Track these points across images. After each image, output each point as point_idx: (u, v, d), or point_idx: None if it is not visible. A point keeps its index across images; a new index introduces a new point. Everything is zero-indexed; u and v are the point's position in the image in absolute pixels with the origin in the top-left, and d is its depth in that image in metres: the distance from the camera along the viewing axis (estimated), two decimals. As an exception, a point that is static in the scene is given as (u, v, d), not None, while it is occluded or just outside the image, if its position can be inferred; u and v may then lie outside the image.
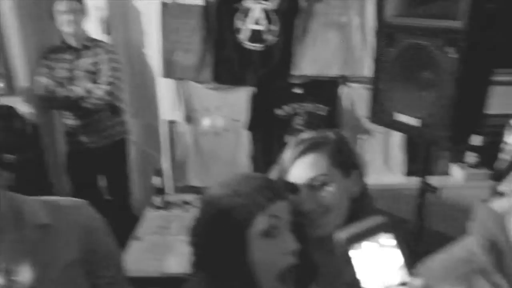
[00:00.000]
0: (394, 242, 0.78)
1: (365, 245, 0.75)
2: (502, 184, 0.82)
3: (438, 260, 0.87)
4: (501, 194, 0.83)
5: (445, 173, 2.93)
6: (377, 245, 0.76)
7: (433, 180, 1.98)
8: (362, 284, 0.74)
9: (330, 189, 1.16)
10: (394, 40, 1.75)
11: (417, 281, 0.79)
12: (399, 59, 1.74)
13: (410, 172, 2.83)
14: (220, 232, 1.01)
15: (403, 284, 0.77)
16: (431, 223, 2.00)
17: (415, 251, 0.89)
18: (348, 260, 0.74)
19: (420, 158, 2.10)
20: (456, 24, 1.55)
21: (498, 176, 0.76)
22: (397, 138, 2.79)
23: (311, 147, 1.17)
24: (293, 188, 1.17)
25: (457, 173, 2.88)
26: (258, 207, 1.01)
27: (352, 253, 0.74)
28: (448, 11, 1.58)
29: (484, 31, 1.59)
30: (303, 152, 1.17)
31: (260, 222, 1.00)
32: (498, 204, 0.86)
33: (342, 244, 0.74)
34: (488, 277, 0.80)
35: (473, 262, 0.82)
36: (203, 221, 1.05)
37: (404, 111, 1.74)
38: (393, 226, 0.77)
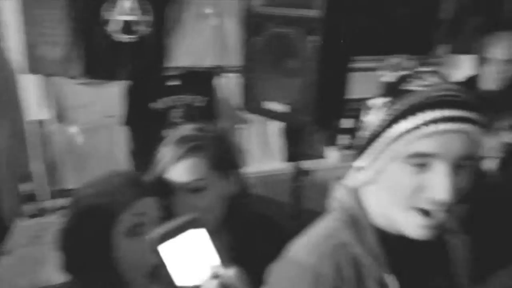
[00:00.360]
0: (206, 236, 0.79)
1: (176, 242, 0.76)
2: (359, 160, 0.87)
3: (303, 239, 0.90)
4: (358, 170, 0.88)
5: (322, 156, 3.10)
6: (188, 241, 0.77)
7: (311, 164, 2.08)
8: (176, 281, 0.75)
9: (207, 192, 1.15)
10: (260, 29, 1.79)
11: (230, 271, 0.81)
12: (266, 48, 1.79)
13: (290, 158, 2.93)
14: (85, 233, 0.98)
15: (217, 276, 0.79)
16: (309, 204, 2.10)
17: (296, 231, 0.93)
18: (160, 258, 0.74)
19: (297, 144, 2.19)
20: (315, 13, 1.62)
21: (358, 154, 0.81)
22: (275, 126, 2.87)
23: (191, 150, 1.14)
24: (168, 189, 1.14)
25: (332, 155, 3.06)
26: (121, 205, 0.98)
27: (163, 250, 0.74)
28: (307, 1, 1.66)
29: (341, 20, 1.69)
30: (182, 156, 1.14)
31: (125, 221, 0.97)
32: (353, 180, 0.91)
33: (153, 243, 0.74)
34: (350, 250, 0.83)
35: (336, 237, 0.85)
36: (69, 223, 1.01)
37: (273, 98, 1.80)
38: (202, 221, 0.79)
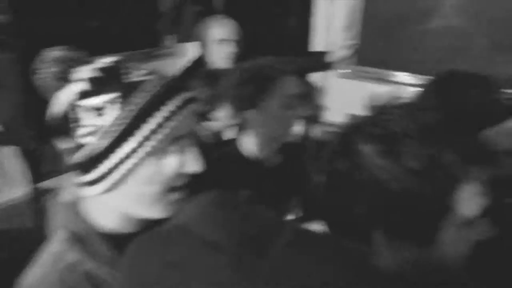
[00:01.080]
0: None
1: None
2: (94, 170, 0.78)
3: (31, 272, 0.81)
4: (92, 182, 0.80)
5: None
6: None
7: (57, 181, 1.93)
8: None
9: None
10: None
11: None
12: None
13: (34, 180, 2.66)
14: None
15: None
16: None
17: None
18: None
19: (38, 163, 2.02)
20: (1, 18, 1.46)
21: (93, 164, 0.71)
22: (10, 149, 2.55)
23: None
24: None
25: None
26: None
27: None
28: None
29: (36, 22, 1.56)
30: None
31: None
32: (69, 194, 0.86)
33: None
34: (81, 267, 0.78)
35: (62, 260, 0.79)
36: None
37: (-21, 121, 1.59)
38: None
